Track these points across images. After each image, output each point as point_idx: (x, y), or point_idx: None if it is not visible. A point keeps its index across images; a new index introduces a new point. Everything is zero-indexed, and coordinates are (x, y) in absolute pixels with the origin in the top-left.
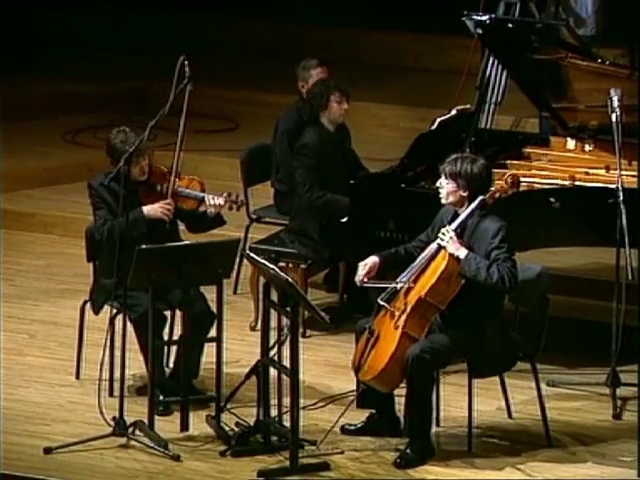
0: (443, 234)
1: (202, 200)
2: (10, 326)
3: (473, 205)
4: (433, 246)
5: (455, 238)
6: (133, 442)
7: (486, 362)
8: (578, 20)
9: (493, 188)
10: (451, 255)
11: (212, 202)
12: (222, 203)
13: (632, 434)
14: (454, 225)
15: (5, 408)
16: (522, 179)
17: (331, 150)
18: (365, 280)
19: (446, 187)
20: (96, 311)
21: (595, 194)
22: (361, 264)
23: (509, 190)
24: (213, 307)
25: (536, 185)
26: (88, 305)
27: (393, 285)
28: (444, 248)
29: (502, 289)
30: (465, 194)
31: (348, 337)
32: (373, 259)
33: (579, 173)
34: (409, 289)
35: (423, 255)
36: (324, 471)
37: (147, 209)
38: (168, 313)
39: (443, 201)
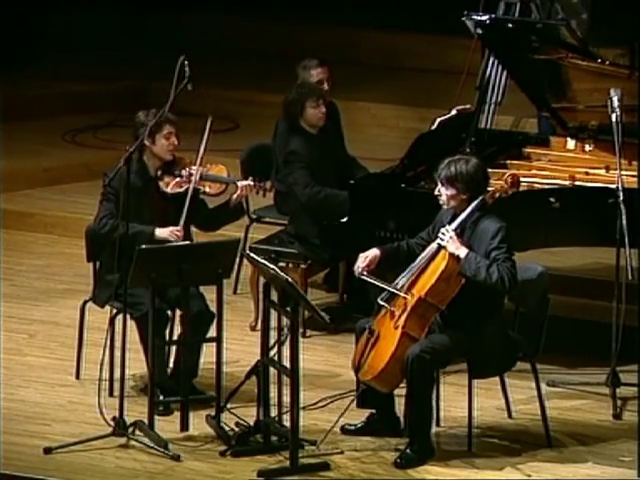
0: (443, 234)
1: (229, 184)
2: (10, 326)
3: (473, 205)
4: (433, 246)
5: (455, 237)
6: (133, 442)
7: (486, 362)
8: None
9: (493, 188)
10: (451, 255)
11: (242, 184)
12: (251, 184)
13: (632, 434)
14: (454, 225)
15: (5, 408)
16: (522, 179)
17: (318, 154)
18: (364, 273)
19: (445, 193)
20: (101, 305)
21: (595, 194)
22: (362, 255)
23: (509, 190)
24: (213, 307)
25: (536, 185)
26: (88, 305)
27: (391, 289)
28: (444, 248)
29: (501, 289)
30: (465, 197)
31: (348, 337)
32: (374, 252)
33: (579, 173)
34: (409, 289)
35: (423, 255)
36: (324, 471)
37: (159, 231)
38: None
39: (445, 207)
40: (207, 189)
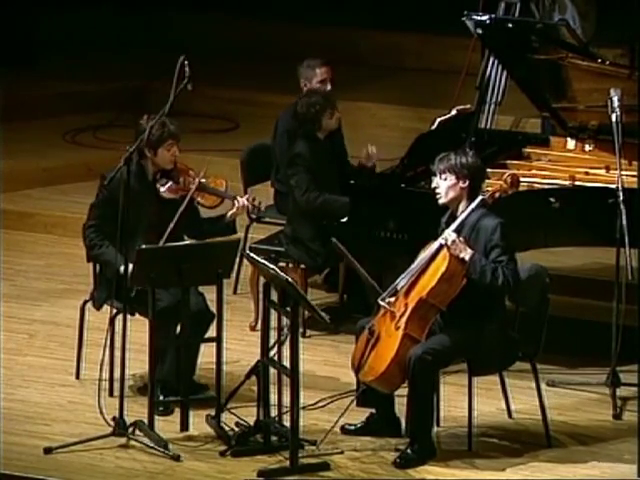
0: (445, 237)
1: (226, 199)
2: (10, 326)
3: (473, 205)
4: (434, 246)
5: (458, 241)
6: (133, 442)
7: (486, 360)
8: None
9: (493, 188)
10: (453, 255)
11: (240, 203)
12: (246, 204)
13: (632, 434)
14: (454, 225)
15: (5, 408)
16: (522, 179)
17: (323, 158)
18: None
19: (444, 184)
20: (98, 307)
21: (595, 194)
22: None
23: (509, 190)
24: (213, 307)
25: (536, 185)
26: (88, 305)
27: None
28: (448, 249)
29: (506, 291)
30: (465, 185)
31: (348, 337)
32: None
33: (579, 173)
34: (409, 289)
35: (423, 256)
36: (324, 471)
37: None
38: None
39: (442, 200)
40: (202, 200)
